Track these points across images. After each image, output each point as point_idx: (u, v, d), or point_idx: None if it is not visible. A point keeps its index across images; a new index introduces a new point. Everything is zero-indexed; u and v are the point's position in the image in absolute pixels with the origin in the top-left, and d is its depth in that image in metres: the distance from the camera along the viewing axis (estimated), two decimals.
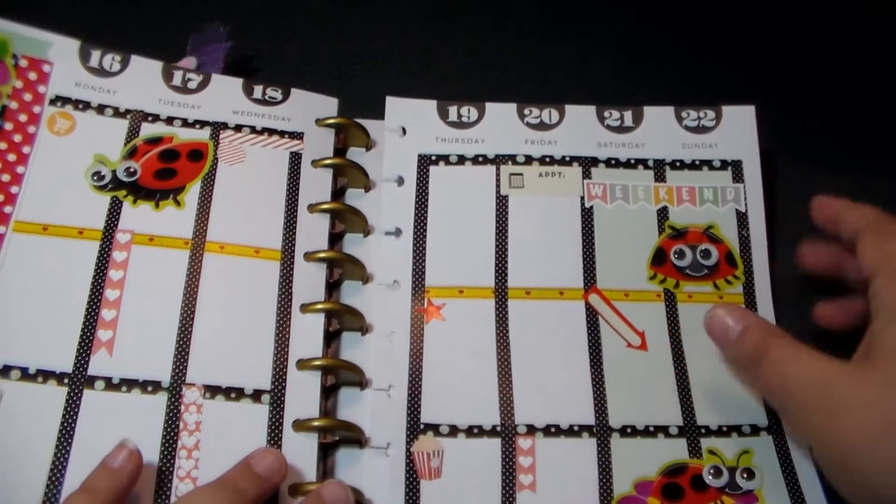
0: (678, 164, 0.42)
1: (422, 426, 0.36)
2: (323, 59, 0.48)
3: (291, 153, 0.41)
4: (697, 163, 0.42)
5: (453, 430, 0.36)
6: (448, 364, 0.38)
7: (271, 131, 0.42)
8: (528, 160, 0.42)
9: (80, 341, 0.35)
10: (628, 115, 0.43)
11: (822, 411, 0.31)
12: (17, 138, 0.39)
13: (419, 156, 0.42)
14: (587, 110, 0.43)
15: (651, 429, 0.37)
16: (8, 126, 0.39)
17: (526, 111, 0.43)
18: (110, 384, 0.35)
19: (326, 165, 0.41)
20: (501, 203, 0.41)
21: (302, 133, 0.42)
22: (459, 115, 0.43)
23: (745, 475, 0.35)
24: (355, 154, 0.43)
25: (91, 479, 0.31)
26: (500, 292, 0.39)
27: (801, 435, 0.34)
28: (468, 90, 0.46)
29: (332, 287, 0.40)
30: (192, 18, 0.46)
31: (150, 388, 0.35)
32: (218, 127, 0.41)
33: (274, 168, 0.41)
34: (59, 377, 0.35)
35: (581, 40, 0.49)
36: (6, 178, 0.38)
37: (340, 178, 0.42)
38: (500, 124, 0.43)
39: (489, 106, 0.43)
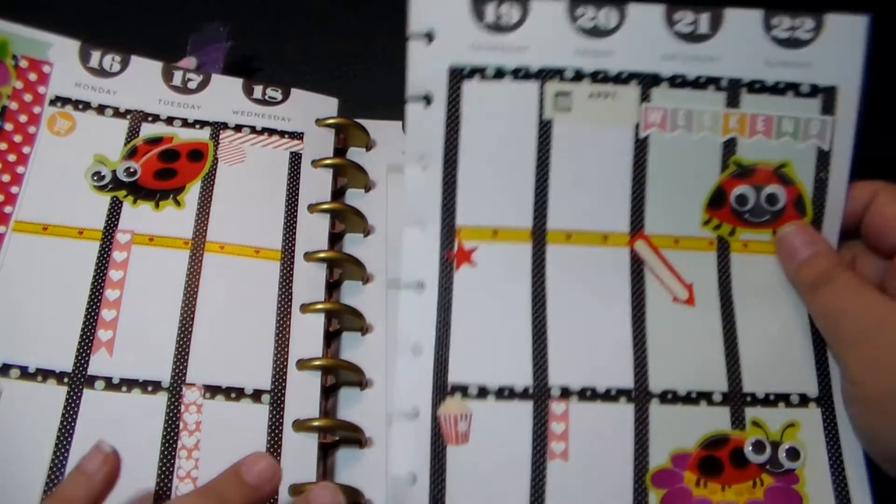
0: (757, 85, 0.36)
1: (449, 387, 0.35)
2: (323, 59, 0.48)
3: (291, 153, 0.41)
4: (781, 86, 0.36)
5: (482, 392, 0.35)
6: (478, 318, 0.35)
7: (271, 131, 0.42)
8: (578, 76, 0.36)
9: (80, 341, 0.35)
10: (704, 18, 0.36)
11: (878, 344, 0.32)
12: (18, 139, 0.39)
13: (450, 69, 0.36)
14: (654, 11, 0.36)
15: (693, 395, 0.34)
16: (8, 126, 0.39)
17: (579, 11, 0.36)
18: (110, 384, 0.35)
19: (326, 165, 0.41)
20: (544, 130, 0.36)
21: (302, 133, 0.42)
22: (498, 16, 0.36)
23: (788, 453, 0.34)
24: (355, 154, 0.43)
25: (66, 486, 0.29)
26: (539, 235, 0.36)
27: (847, 367, 0.33)
28: None
29: (332, 287, 0.40)
30: (192, 18, 0.46)
31: (150, 388, 0.35)
32: (218, 127, 0.41)
33: (274, 168, 0.41)
34: (59, 376, 0.35)
35: None
36: (6, 178, 0.38)
37: (340, 178, 0.42)
38: (547, 28, 0.36)
39: (535, 3, 0.36)
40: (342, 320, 0.39)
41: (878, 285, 0.35)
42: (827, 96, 0.36)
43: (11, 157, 0.38)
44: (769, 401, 0.34)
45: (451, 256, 0.36)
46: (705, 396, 0.35)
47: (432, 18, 0.36)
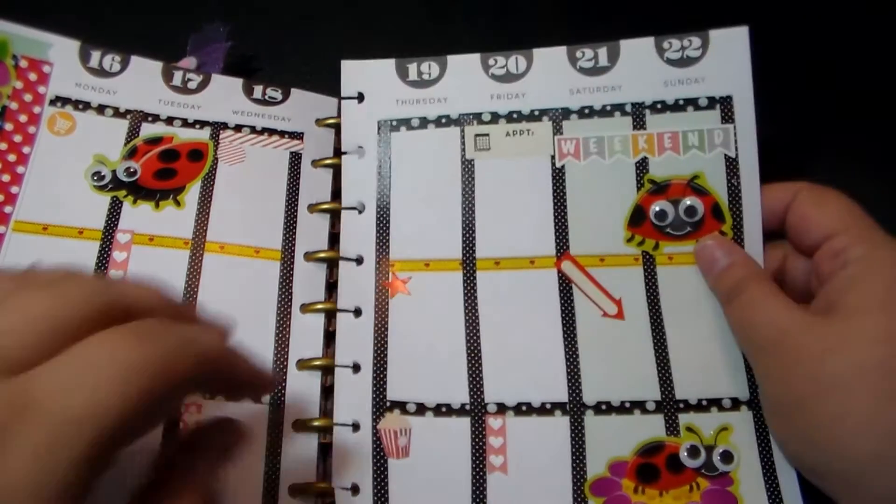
0: (659, 105, 0.38)
1: (388, 404, 0.36)
2: (323, 59, 0.48)
3: (291, 153, 0.41)
4: (681, 102, 0.38)
5: (420, 409, 0.36)
6: (414, 340, 0.37)
7: (271, 131, 0.42)
8: (495, 118, 0.39)
9: None
10: (603, 52, 0.39)
11: (779, 358, 0.32)
12: (18, 138, 0.39)
13: (379, 122, 0.40)
14: (557, 53, 0.39)
15: (627, 405, 0.35)
16: (8, 126, 0.39)
17: (490, 61, 0.40)
18: None
19: (326, 165, 0.41)
20: (467, 168, 0.39)
21: (302, 133, 0.42)
22: (420, 73, 0.40)
23: (721, 456, 0.34)
24: None
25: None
26: (468, 264, 0.38)
27: (759, 376, 0.34)
28: (476, 30, 0.46)
29: (332, 287, 0.40)
30: (192, 18, 0.46)
31: None
32: (218, 127, 0.41)
33: (274, 168, 0.41)
34: None
35: None
36: (6, 178, 0.38)
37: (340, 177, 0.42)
38: (464, 79, 0.40)
39: (451, 59, 0.40)
40: None
41: (804, 285, 0.35)
42: (724, 106, 0.38)
43: (11, 157, 0.38)
44: (701, 406, 0.35)
45: (386, 286, 0.37)
46: (639, 405, 0.35)
47: (361, 82, 0.40)
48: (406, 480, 0.34)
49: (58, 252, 0.37)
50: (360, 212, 0.39)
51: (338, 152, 0.42)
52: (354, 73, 0.40)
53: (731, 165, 0.37)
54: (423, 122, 0.39)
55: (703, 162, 0.38)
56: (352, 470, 0.35)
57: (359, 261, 0.38)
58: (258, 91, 0.42)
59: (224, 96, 0.42)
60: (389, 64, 0.40)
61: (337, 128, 0.42)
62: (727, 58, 0.38)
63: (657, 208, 0.38)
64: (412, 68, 0.40)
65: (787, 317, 0.32)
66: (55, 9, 0.47)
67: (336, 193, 0.41)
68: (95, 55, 0.41)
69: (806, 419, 0.31)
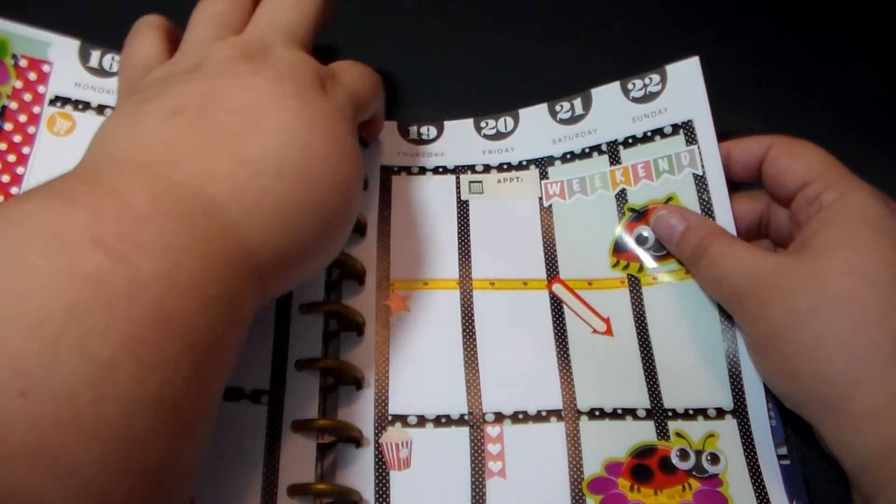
0: (630, 140, 0.42)
1: (390, 417, 0.37)
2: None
3: None
4: (649, 134, 0.42)
5: (421, 421, 0.37)
6: (414, 355, 0.38)
7: None
8: (487, 168, 0.43)
9: None
10: (578, 103, 0.43)
11: (754, 299, 0.34)
12: (17, 139, 0.39)
13: (382, 167, 0.43)
14: (539, 109, 0.44)
15: (619, 412, 0.37)
16: (8, 126, 0.39)
17: (482, 123, 0.44)
18: None
19: None
20: (462, 207, 0.42)
21: None
22: (419, 134, 0.44)
23: (709, 459, 0.36)
24: None
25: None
26: (465, 283, 0.40)
27: (738, 323, 0.36)
28: (468, 89, 0.47)
29: (331, 287, 0.40)
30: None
31: None
32: None
33: None
34: None
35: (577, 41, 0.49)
36: (6, 179, 0.38)
37: None
38: (459, 139, 0.44)
39: (447, 124, 0.44)
40: (340, 320, 0.39)
41: (787, 233, 0.38)
42: (687, 130, 0.41)
43: (11, 158, 0.39)
44: (689, 415, 0.37)
45: (387, 303, 0.39)
46: (630, 412, 0.37)
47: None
48: (408, 491, 0.35)
49: None
50: (362, 234, 0.41)
51: None
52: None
53: (700, 182, 0.40)
54: (422, 170, 0.43)
55: (674, 184, 0.41)
56: (355, 483, 0.35)
57: (360, 280, 0.40)
58: None
59: None
60: (392, 125, 0.44)
61: None
62: (684, 86, 0.42)
63: (638, 233, 0.40)
64: (413, 129, 0.44)
65: (754, 262, 0.35)
66: (55, 8, 0.47)
67: None
68: (95, 54, 0.42)
69: (784, 350, 0.33)
